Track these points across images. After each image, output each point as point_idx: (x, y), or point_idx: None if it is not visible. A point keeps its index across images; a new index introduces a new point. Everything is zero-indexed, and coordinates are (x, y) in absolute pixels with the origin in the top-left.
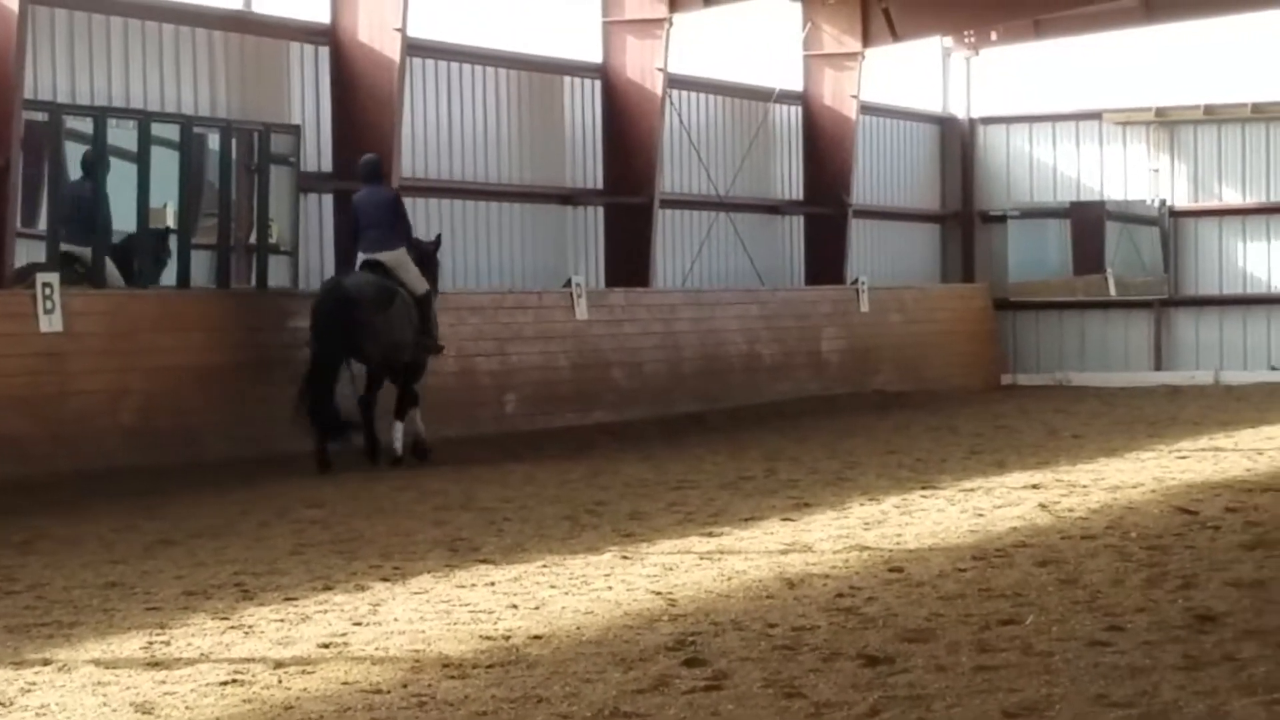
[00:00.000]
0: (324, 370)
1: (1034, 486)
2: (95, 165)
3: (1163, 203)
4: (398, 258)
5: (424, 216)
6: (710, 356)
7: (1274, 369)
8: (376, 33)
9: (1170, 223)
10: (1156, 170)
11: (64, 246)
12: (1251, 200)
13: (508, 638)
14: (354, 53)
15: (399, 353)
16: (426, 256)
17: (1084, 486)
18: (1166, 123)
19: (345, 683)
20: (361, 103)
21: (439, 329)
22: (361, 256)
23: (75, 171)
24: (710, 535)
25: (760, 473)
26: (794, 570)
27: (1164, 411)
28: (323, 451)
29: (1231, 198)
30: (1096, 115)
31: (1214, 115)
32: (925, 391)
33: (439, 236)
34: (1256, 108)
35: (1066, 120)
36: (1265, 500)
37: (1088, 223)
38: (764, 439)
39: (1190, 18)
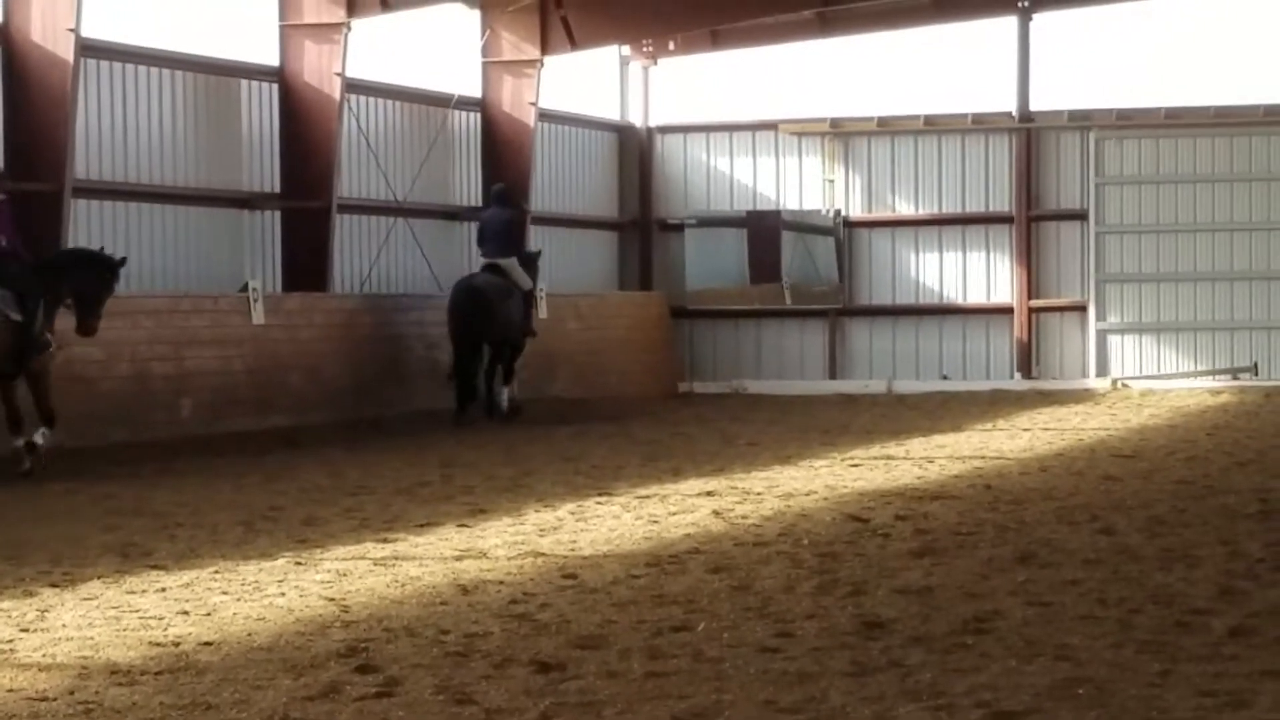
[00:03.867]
0: (466, 349)
1: (708, 494)
2: None
3: (838, 213)
4: (510, 263)
5: (98, 220)
6: (389, 361)
7: (945, 378)
8: (50, 33)
9: (845, 233)
10: (832, 181)
11: None
12: (924, 211)
13: (177, 644)
14: (27, 52)
15: (512, 334)
16: (530, 262)
17: (758, 494)
18: (841, 134)
19: (11, 690)
20: (34, 103)
21: (534, 319)
22: (483, 260)
23: None
24: (385, 541)
25: (437, 479)
26: (468, 576)
27: (837, 420)
28: (462, 410)
29: (905, 209)
30: (773, 126)
31: (887, 128)
32: (603, 399)
33: (539, 250)
34: (929, 120)
35: (743, 130)
36: (935, 508)
37: (764, 232)
38: (442, 445)
39: (864, 31)
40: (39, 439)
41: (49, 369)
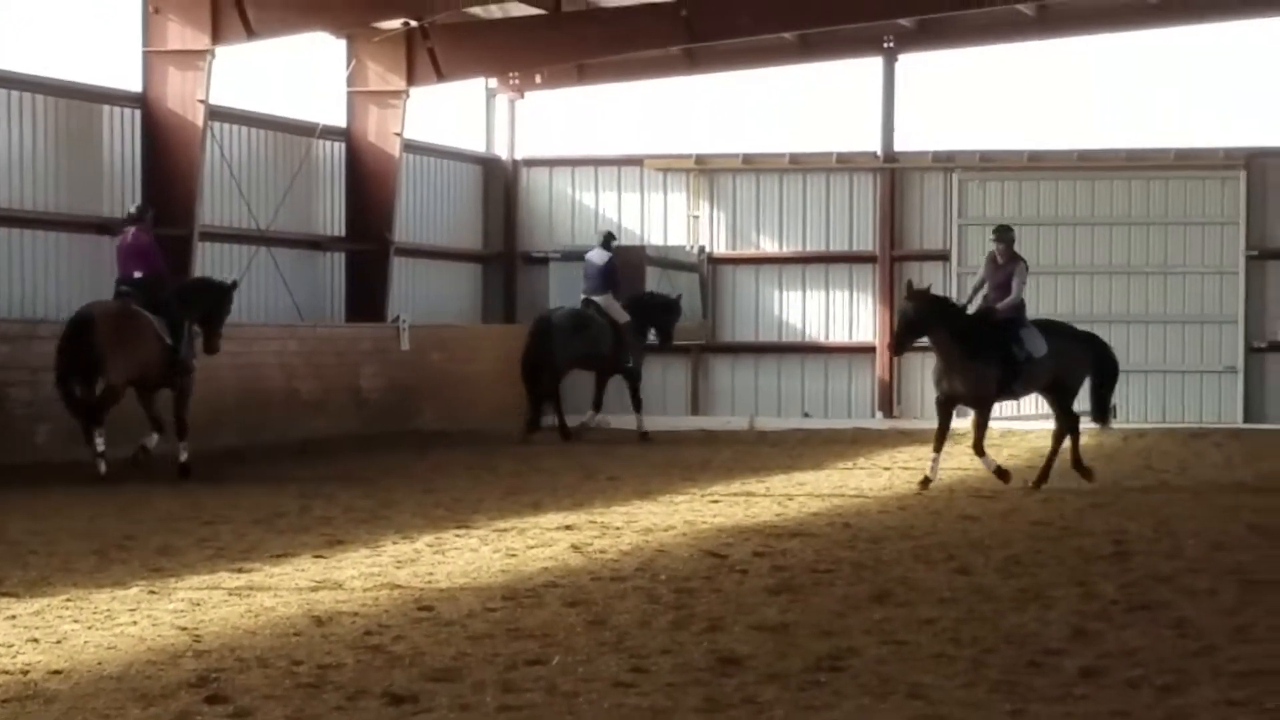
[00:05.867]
0: (529, 374)
1: (567, 527)
2: None
3: (702, 249)
4: (606, 300)
5: None
6: (249, 391)
7: (807, 416)
8: None
9: (709, 269)
10: (696, 217)
11: None
12: (788, 249)
13: (26, 672)
14: None
15: (598, 364)
16: (659, 307)
17: (617, 528)
18: (706, 171)
19: None
20: None
21: (635, 351)
22: (582, 296)
23: None
24: (240, 571)
25: (295, 509)
26: (323, 608)
27: (699, 456)
28: (534, 424)
29: (769, 246)
30: (638, 161)
31: (753, 165)
32: (465, 431)
33: (680, 295)
34: (794, 159)
35: (609, 165)
36: (793, 545)
37: (628, 267)
38: (301, 475)
39: (730, 69)
40: (150, 443)
41: (190, 387)
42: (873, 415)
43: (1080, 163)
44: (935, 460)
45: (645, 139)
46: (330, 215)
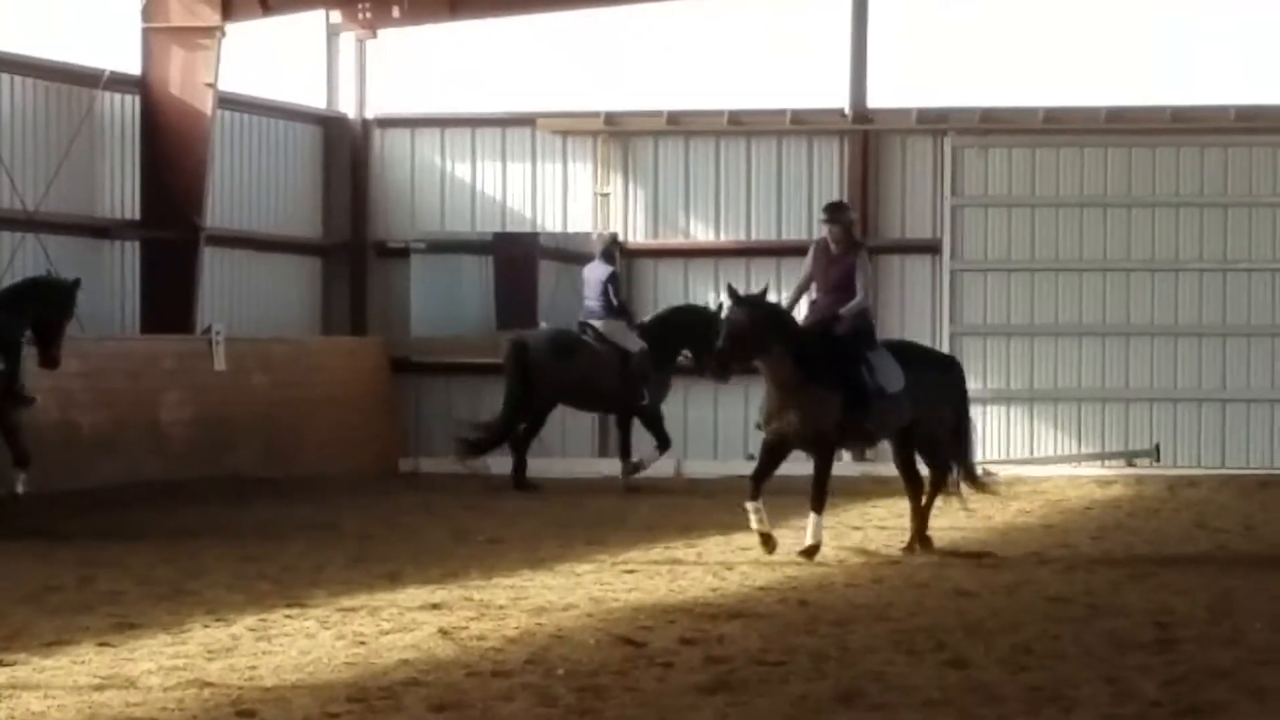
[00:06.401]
0: (509, 409)
1: (434, 606)
2: None
3: (614, 237)
4: (609, 326)
5: None
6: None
7: (753, 459)
8: None
9: (624, 263)
10: (606, 195)
11: None
12: (727, 237)
13: None
14: None
15: (592, 401)
16: (702, 318)
17: (500, 607)
18: (619, 134)
19: None
20: None
21: (645, 386)
22: (579, 320)
23: None
24: (1, 665)
25: (73, 581)
26: (110, 712)
27: (609, 511)
28: (516, 474)
29: (702, 233)
30: (529, 121)
31: (680, 126)
32: (299, 478)
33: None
34: (735, 118)
35: (490, 125)
36: (732, 629)
37: (517, 260)
38: (80, 537)
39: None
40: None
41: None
42: (839, 457)
43: (1111, 124)
44: (757, 512)
45: (539, 92)
46: (120, 192)
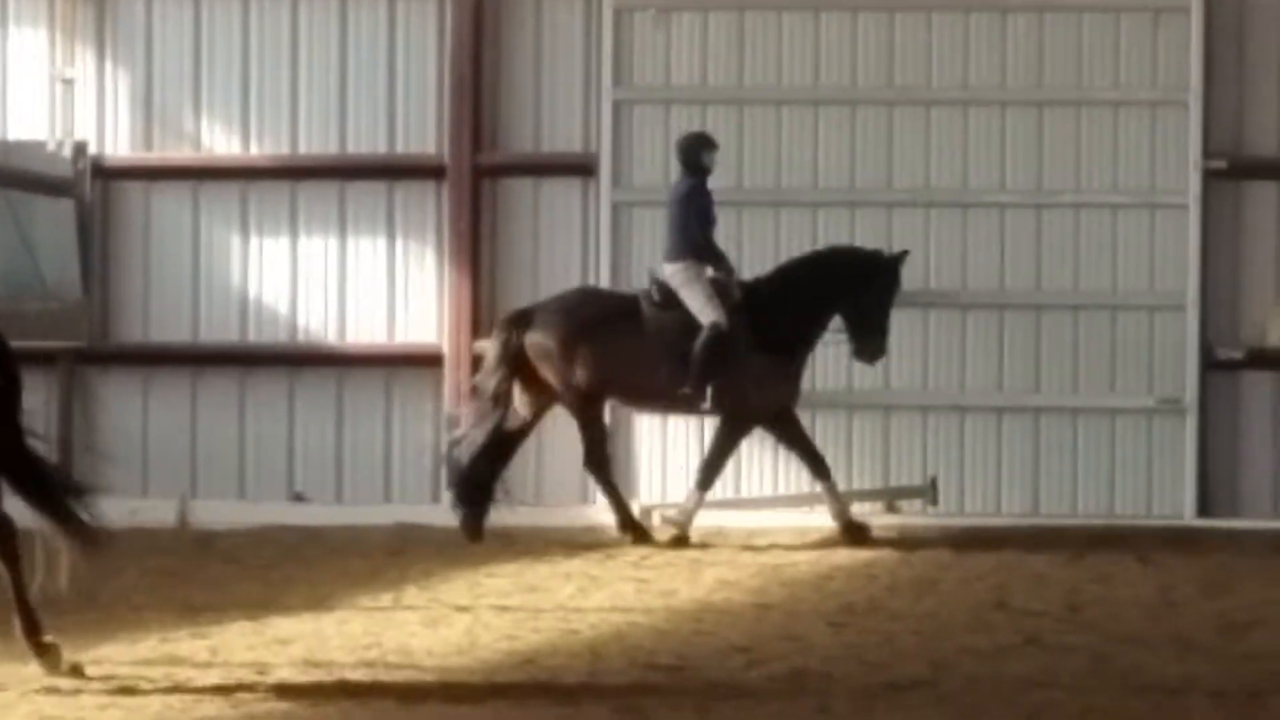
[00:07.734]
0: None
1: None
2: None
3: (80, 149)
4: (679, 272)
5: None
6: None
7: (300, 497)
8: None
9: (97, 190)
10: (70, 81)
11: None
12: (262, 150)
13: None
14: None
15: (646, 396)
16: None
17: None
18: None
19: None
20: None
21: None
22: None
23: None
24: None
25: None
26: None
27: None
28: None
29: (222, 144)
30: None
31: None
32: None
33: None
34: None
35: None
36: None
37: None
38: None
39: None
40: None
41: None
42: (435, 500)
43: None
44: None
45: None
46: None
